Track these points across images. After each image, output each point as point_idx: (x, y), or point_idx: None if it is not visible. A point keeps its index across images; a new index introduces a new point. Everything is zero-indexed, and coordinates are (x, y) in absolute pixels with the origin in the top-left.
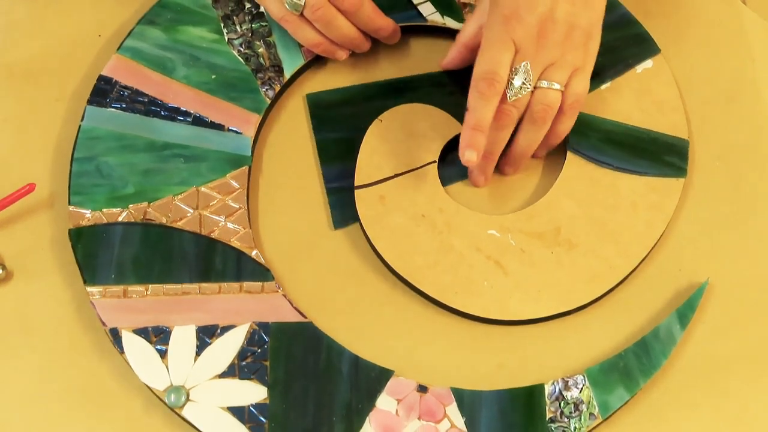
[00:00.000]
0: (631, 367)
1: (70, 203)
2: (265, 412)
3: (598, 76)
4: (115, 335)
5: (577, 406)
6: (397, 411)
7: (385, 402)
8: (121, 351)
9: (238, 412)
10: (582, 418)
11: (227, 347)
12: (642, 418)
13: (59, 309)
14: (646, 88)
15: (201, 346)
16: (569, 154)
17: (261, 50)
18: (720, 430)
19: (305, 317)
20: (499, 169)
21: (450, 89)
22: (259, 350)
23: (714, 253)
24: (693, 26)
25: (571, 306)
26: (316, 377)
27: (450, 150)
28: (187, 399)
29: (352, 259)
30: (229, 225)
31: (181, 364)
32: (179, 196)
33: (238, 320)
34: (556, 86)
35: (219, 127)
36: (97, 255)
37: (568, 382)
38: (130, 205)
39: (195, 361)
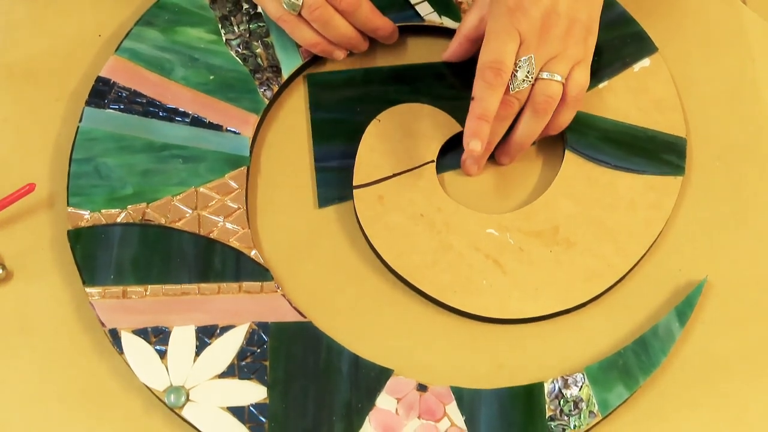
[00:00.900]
0: (630, 365)
1: (68, 204)
2: (264, 412)
3: (595, 75)
4: (115, 336)
5: (576, 404)
6: (396, 410)
7: (384, 401)
8: (121, 351)
9: (237, 412)
10: (582, 416)
11: (227, 347)
12: (641, 415)
13: (59, 309)
14: (644, 86)
15: (200, 347)
16: (567, 153)
17: (259, 51)
18: (719, 426)
19: (304, 317)
20: (495, 158)
21: (450, 81)
22: (259, 350)
23: (712, 251)
24: (691, 25)
25: (570, 304)
26: (315, 377)
27: (449, 149)
28: (187, 399)
29: (351, 258)
30: (228, 225)
31: (181, 365)
32: (178, 197)
33: (238, 320)
34: (558, 78)
35: (217, 127)
36: (96, 256)
37: (567, 380)
38: (129, 206)
39: (194, 361)
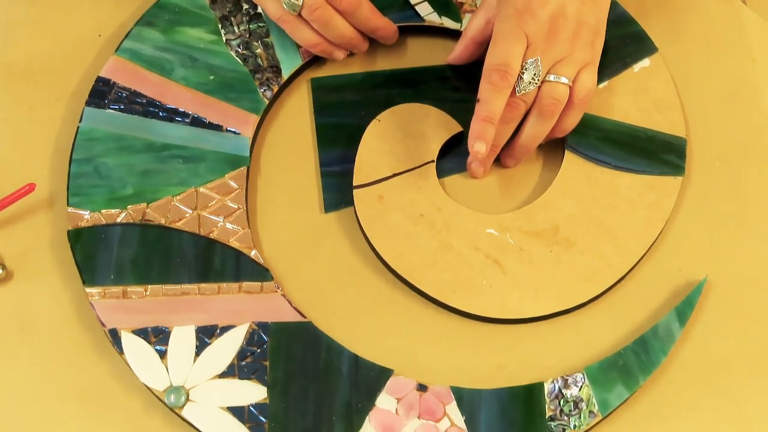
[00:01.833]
0: (630, 365)
1: (68, 204)
2: (264, 411)
3: None
4: (115, 336)
5: (576, 404)
6: (396, 410)
7: (384, 401)
8: (121, 351)
9: (237, 412)
10: (582, 416)
11: (227, 347)
12: (641, 415)
13: (59, 309)
14: (644, 87)
15: (200, 347)
16: (567, 153)
17: (259, 51)
18: (719, 427)
19: (304, 317)
20: (500, 161)
21: (454, 84)
22: (259, 350)
23: (712, 250)
24: (691, 25)
25: (570, 304)
26: (315, 377)
27: (448, 149)
28: (187, 399)
29: (351, 258)
30: (228, 225)
31: (181, 365)
32: (178, 197)
33: (238, 320)
34: (564, 81)
35: (217, 127)
36: (96, 256)
37: (567, 380)
38: (129, 206)
39: (194, 361)
